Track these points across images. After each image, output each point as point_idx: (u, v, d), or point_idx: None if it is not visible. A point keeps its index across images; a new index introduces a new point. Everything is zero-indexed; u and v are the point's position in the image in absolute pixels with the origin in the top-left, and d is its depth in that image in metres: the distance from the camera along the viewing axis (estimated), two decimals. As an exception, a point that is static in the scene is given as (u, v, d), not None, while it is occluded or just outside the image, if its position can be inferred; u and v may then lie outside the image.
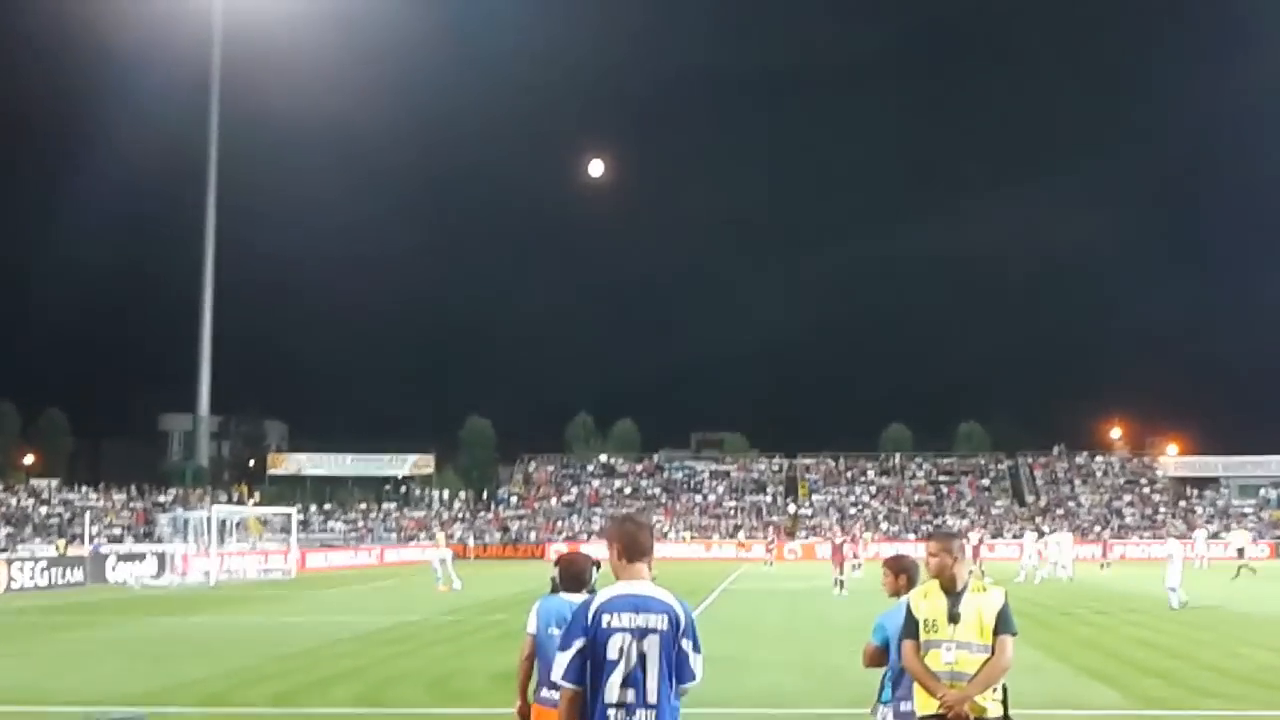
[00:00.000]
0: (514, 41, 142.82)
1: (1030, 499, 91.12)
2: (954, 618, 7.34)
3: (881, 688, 8.29)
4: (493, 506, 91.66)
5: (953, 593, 7.46)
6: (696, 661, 6.05)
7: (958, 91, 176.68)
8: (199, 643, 25.13)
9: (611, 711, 5.84)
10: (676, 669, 5.96)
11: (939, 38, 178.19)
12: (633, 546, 6.20)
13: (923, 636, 7.38)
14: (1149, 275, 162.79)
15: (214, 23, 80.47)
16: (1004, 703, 7.35)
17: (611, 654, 5.87)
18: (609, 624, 5.91)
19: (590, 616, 5.94)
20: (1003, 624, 7.35)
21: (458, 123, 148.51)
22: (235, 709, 16.00)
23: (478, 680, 18.43)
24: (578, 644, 5.92)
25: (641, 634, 5.91)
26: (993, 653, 7.27)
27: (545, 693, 8.04)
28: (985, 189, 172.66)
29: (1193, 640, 23.88)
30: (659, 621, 5.95)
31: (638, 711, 5.84)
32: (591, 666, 5.89)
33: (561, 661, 5.97)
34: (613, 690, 5.85)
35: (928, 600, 7.52)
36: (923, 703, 7.35)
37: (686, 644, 6.01)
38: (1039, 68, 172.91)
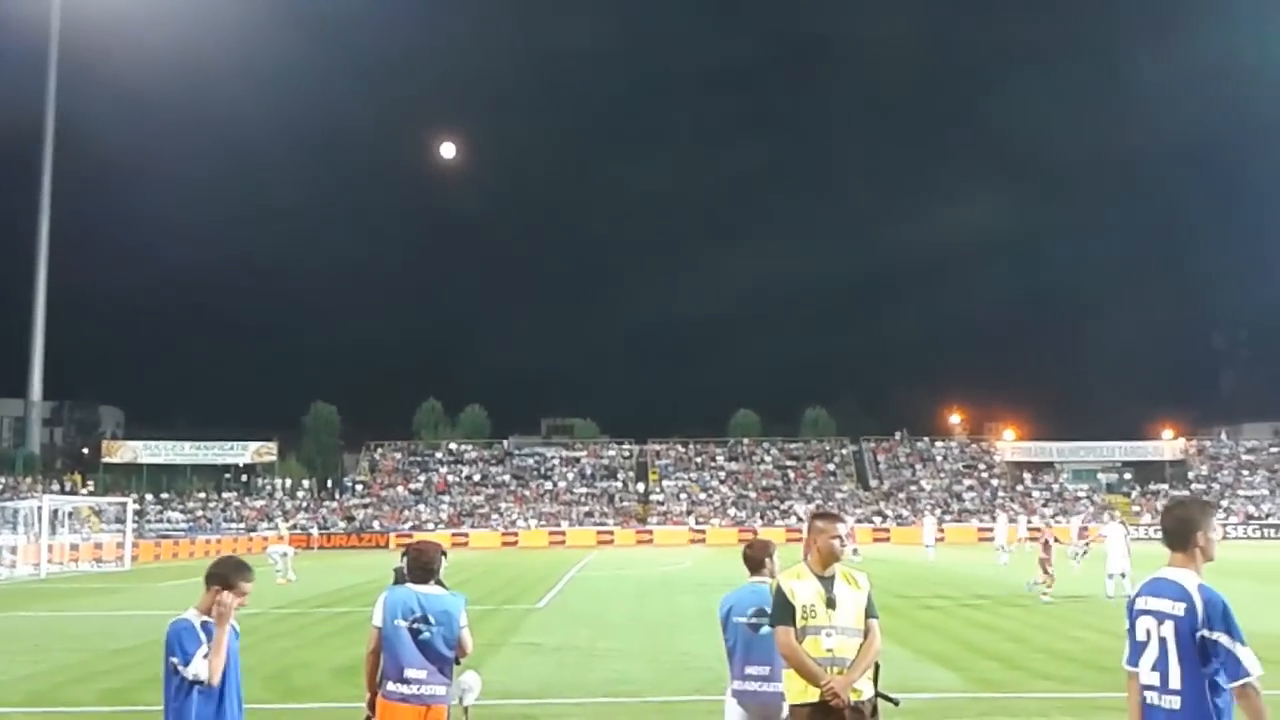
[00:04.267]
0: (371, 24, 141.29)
1: (874, 483, 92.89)
2: (831, 603, 7.23)
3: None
4: (337, 495, 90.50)
5: (826, 577, 7.35)
6: None
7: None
8: (27, 638, 24.21)
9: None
10: None
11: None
12: None
13: (800, 622, 7.19)
14: (988, 266, 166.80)
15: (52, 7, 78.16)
16: (875, 680, 7.28)
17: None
18: None
19: None
20: (871, 608, 7.34)
21: (302, 105, 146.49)
22: (64, 708, 15.42)
23: (320, 674, 18.06)
24: None
25: None
26: (865, 637, 7.23)
27: (392, 686, 7.92)
28: (834, 182, 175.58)
29: (1029, 624, 24.32)
30: None
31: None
32: None
33: None
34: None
35: (803, 584, 7.34)
36: (796, 690, 7.18)
37: None
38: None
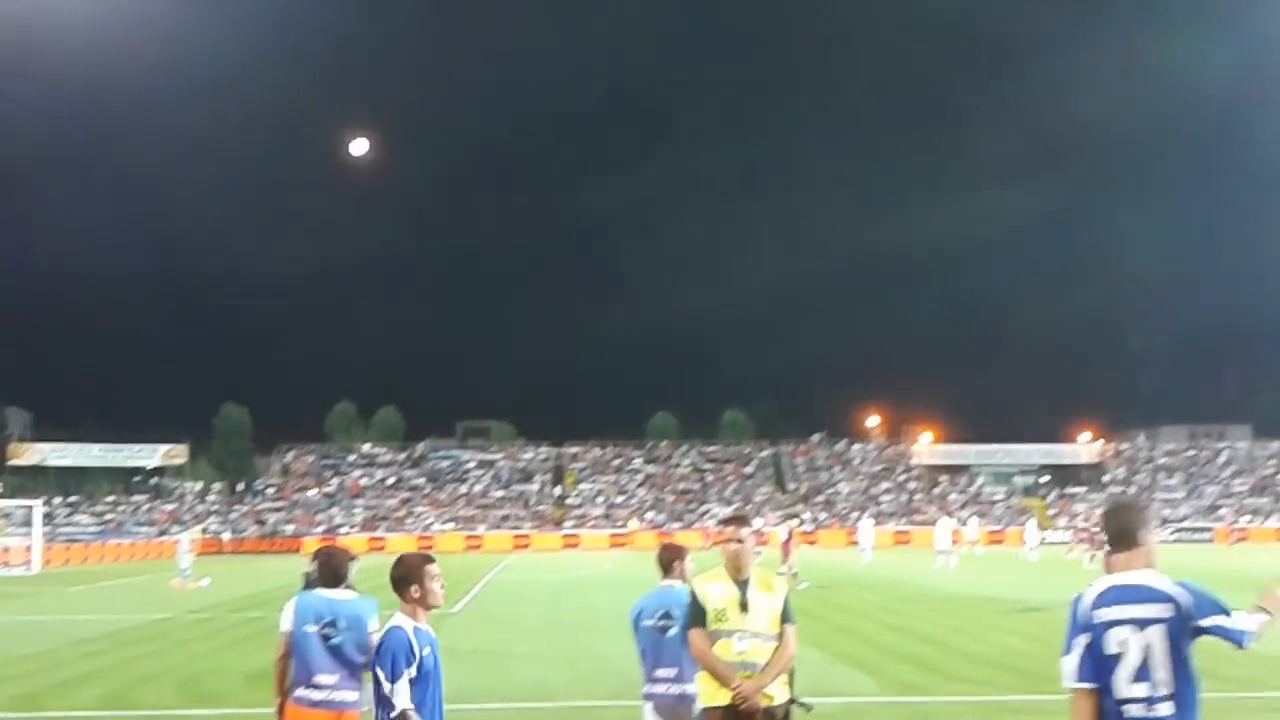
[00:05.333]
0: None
1: (791, 486, 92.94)
2: (744, 606, 7.25)
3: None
4: (249, 498, 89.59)
5: (740, 581, 7.37)
6: None
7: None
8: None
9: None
10: None
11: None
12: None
13: (712, 626, 7.22)
14: (908, 270, 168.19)
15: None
16: (790, 685, 7.32)
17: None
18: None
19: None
20: (788, 613, 7.36)
21: (228, 102, 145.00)
22: (-31, 714, 15.19)
23: (232, 679, 17.90)
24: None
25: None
26: (779, 642, 7.25)
27: (301, 691, 7.88)
28: (755, 190, 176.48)
29: (944, 626, 24.46)
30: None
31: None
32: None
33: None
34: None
35: (715, 587, 7.37)
36: (709, 693, 7.21)
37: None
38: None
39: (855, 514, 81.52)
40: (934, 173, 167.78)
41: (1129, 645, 5.64)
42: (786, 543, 37.75)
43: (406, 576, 6.85)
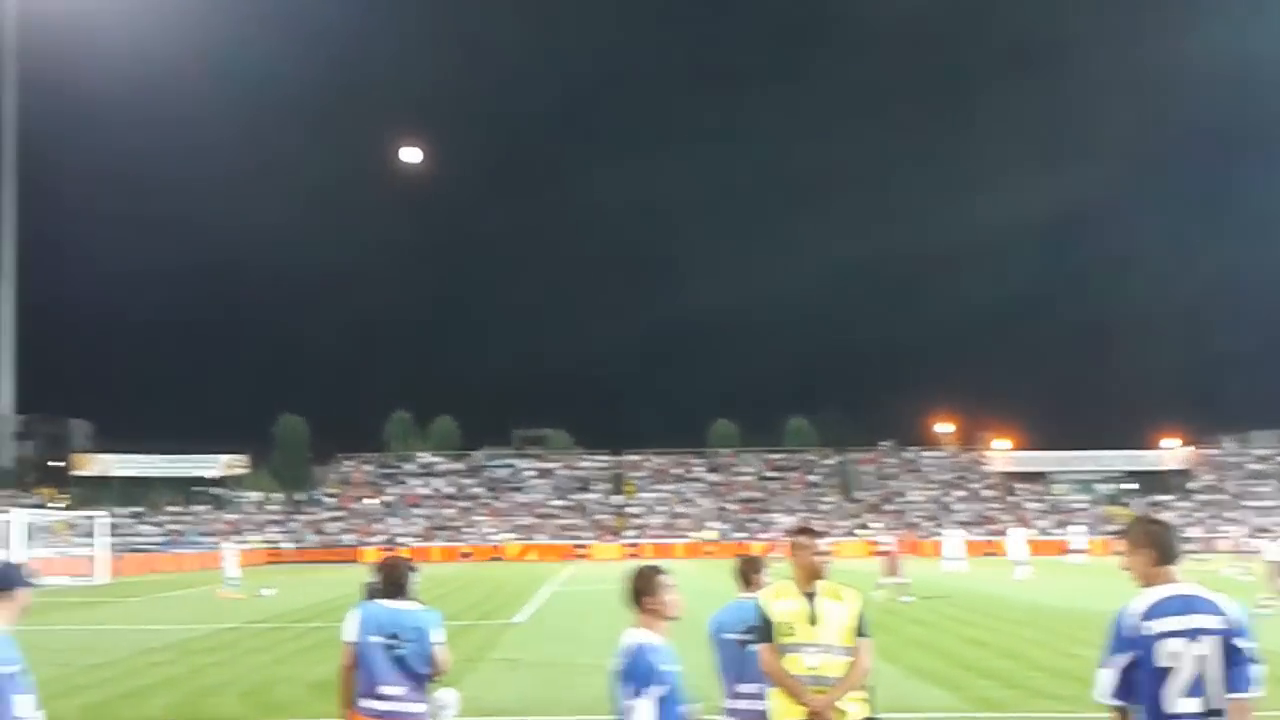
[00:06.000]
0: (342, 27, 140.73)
1: (859, 495, 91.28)
2: (813, 619, 7.19)
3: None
4: (308, 508, 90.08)
5: (808, 594, 7.31)
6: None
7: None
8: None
9: None
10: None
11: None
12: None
13: (781, 640, 7.16)
14: (980, 269, 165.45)
15: (6, 7, 77.76)
16: (870, 703, 7.25)
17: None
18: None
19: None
20: (863, 626, 7.27)
21: (275, 111, 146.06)
22: (42, 724, 15.38)
23: (296, 689, 18.06)
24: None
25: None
26: (853, 656, 7.17)
27: (366, 703, 7.92)
28: (813, 187, 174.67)
29: (1026, 640, 23.83)
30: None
31: None
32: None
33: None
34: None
35: (783, 601, 7.31)
36: (781, 710, 7.12)
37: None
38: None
39: (927, 524, 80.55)
40: (1007, 159, 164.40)
41: (1181, 658, 5.60)
42: (894, 554, 37.39)
43: (642, 588, 6.84)
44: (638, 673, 6.55)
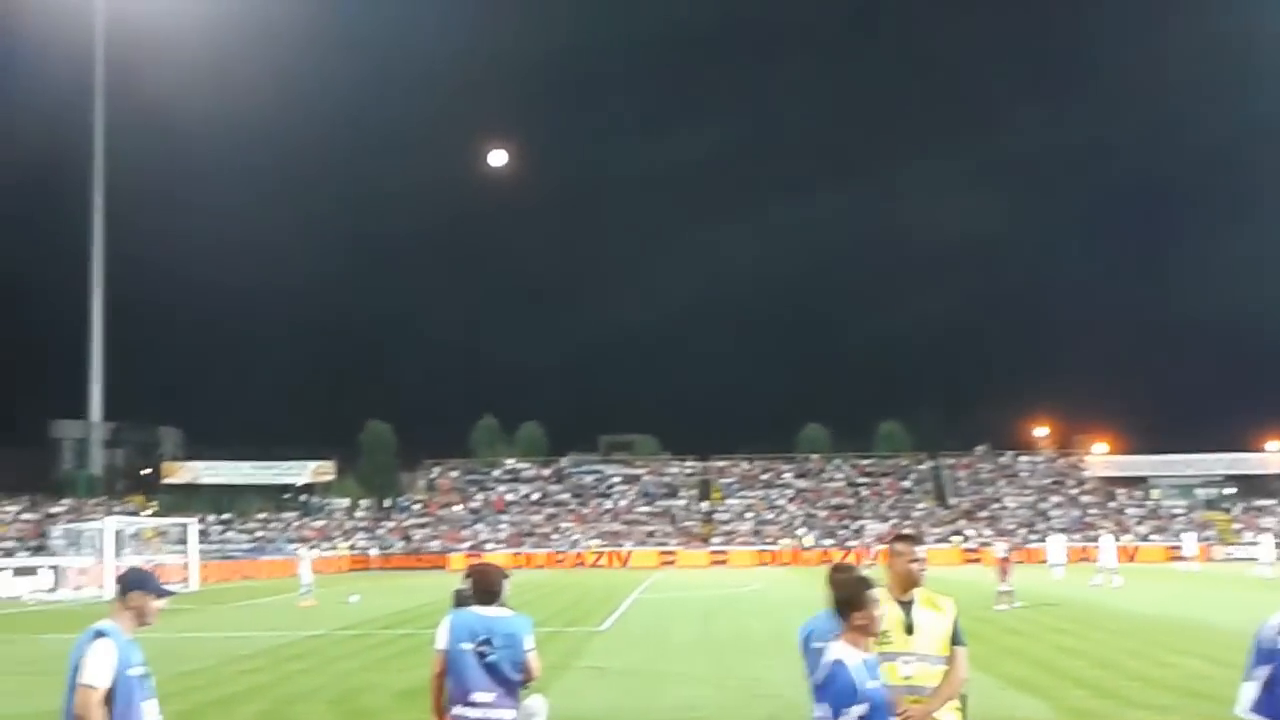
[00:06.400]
0: (402, 37, 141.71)
1: (953, 501, 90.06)
2: (909, 628, 7.04)
3: None
4: (395, 514, 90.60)
5: (904, 601, 7.16)
6: None
7: (867, 62, 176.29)
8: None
9: None
10: None
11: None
12: None
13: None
14: (1075, 269, 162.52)
15: (97, 20, 78.83)
16: (963, 712, 7.11)
17: None
18: None
19: None
20: (958, 634, 7.12)
21: (355, 126, 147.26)
22: (132, 730, 15.36)
23: (384, 697, 18.00)
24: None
25: None
26: (948, 665, 7.01)
27: (459, 710, 7.82)
28: (897, 185, 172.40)
29: (1119, 648, 23.46)
30: None
31: None
32: None
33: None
34: None
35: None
36: None
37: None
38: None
39: (1022, 530, 79.43)
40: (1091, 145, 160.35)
41: None
42: (1005, 560, 36.91)
43: (851, 600, 6.39)
44: (838, 691, 6.11)
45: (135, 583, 6.92)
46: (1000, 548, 38.52)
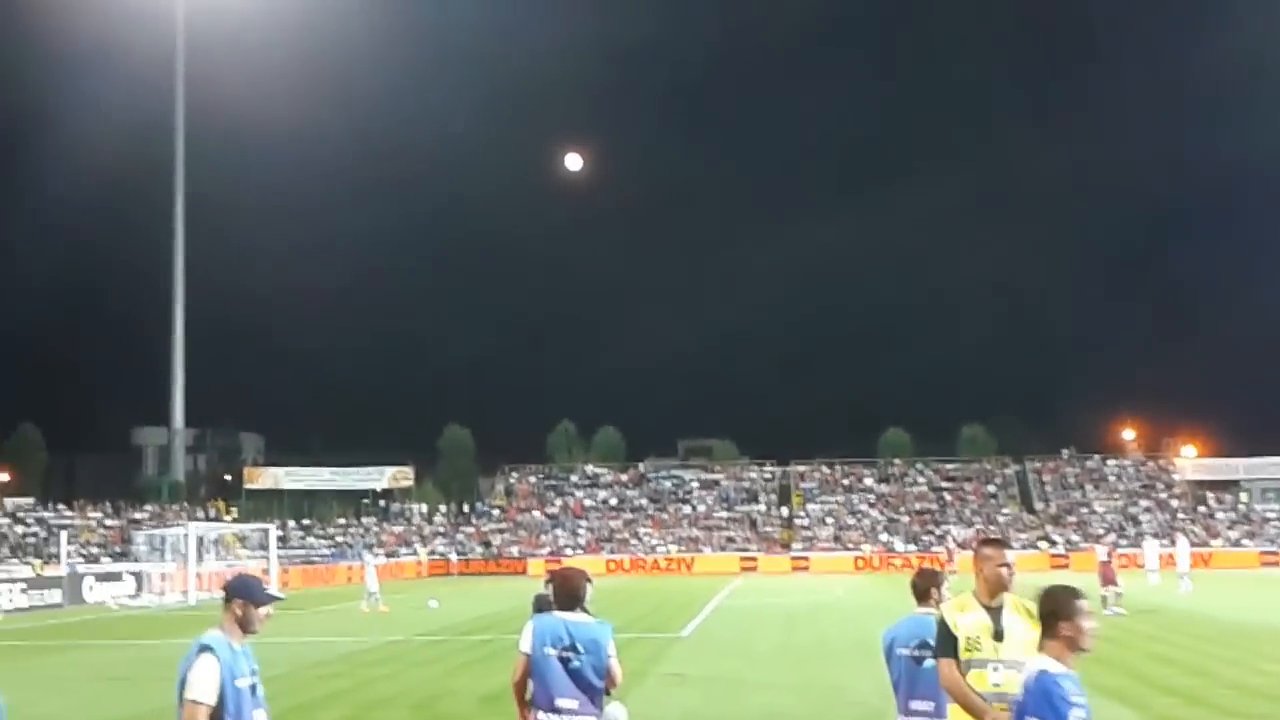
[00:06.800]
0: (463, 45, 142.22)
1: (1040, 506, 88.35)
2: (998, 635, 6.89)
3: None
4: (474, 520, 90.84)
5: (993, 608, 7.01)
6: None
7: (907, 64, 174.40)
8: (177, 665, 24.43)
9: None
10: None
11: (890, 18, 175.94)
12: None
13: (964, 655, 6.88)
14: (1159, 264, 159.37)
15: (177, 30, 79.72)
16: None
17: None
18: None
19: None
20: None
21: (436, 132, 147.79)
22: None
23: (466, 702, 17.97)
24: None
25: None
26: None
27: (543, 715, 7.81)
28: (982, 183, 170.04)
29: (1212, 656, 23.07)
30: None
31: None
32: None
33: None
34: None
35: (967, 615, 7.03)
36: None
37: None
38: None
39: (1111, 535, 77.92)
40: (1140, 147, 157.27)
41: None
42: (1107, 564, 36.32)
43: (1060, 612, 6.02)
44: (1043, 706, 5.81)
45: (238, 590, 7.02)
46: (1101, 551, 38.04)
